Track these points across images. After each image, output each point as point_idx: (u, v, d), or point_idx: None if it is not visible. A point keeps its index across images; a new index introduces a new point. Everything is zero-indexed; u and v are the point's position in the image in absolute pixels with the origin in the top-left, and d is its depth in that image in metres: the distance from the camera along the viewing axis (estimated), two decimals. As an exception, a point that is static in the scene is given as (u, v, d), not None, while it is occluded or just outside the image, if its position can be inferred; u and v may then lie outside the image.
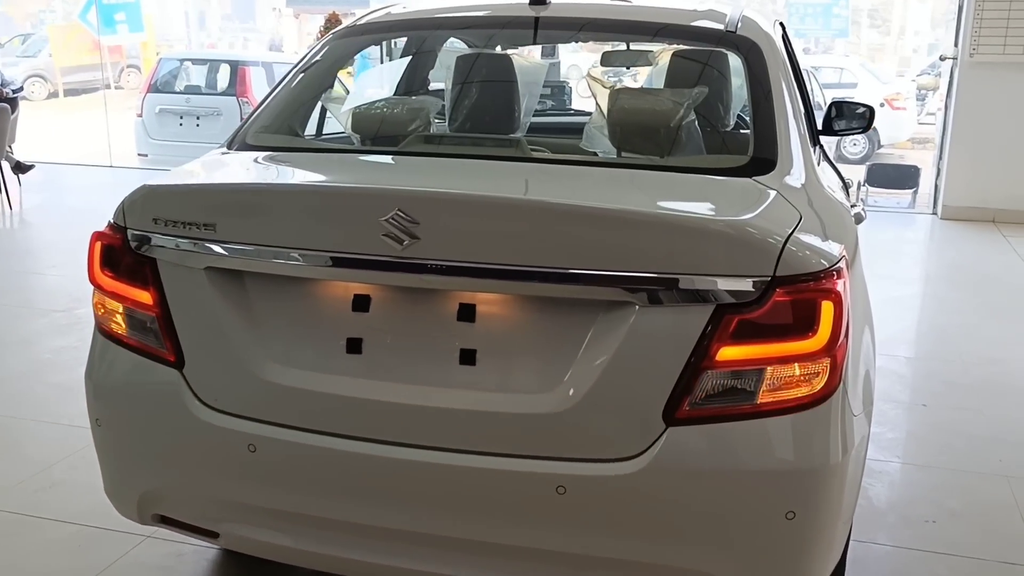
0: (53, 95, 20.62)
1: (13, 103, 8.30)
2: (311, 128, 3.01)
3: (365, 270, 1.92)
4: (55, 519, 3.01)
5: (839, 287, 1.85)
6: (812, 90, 10.87)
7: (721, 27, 2.61)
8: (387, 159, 2.45)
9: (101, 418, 2.20)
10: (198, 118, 10.96)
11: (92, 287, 2.19)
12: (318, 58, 2.82)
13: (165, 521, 2.22)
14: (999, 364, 4.58)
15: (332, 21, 9.91)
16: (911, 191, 8.86)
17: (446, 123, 2.95)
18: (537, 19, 2.65)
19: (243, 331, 2.02)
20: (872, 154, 13.65)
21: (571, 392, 1.86)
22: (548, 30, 2.83)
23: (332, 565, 2.12)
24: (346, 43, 2.95)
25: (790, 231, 1.85)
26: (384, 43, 5.07)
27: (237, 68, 11.36)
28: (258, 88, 10.88)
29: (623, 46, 3.98)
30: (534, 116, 4.26)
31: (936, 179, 8.25)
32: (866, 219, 3.02)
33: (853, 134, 4.01)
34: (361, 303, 1.97)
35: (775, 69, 2.50)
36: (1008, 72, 7.55)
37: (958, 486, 3.38)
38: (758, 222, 1.87)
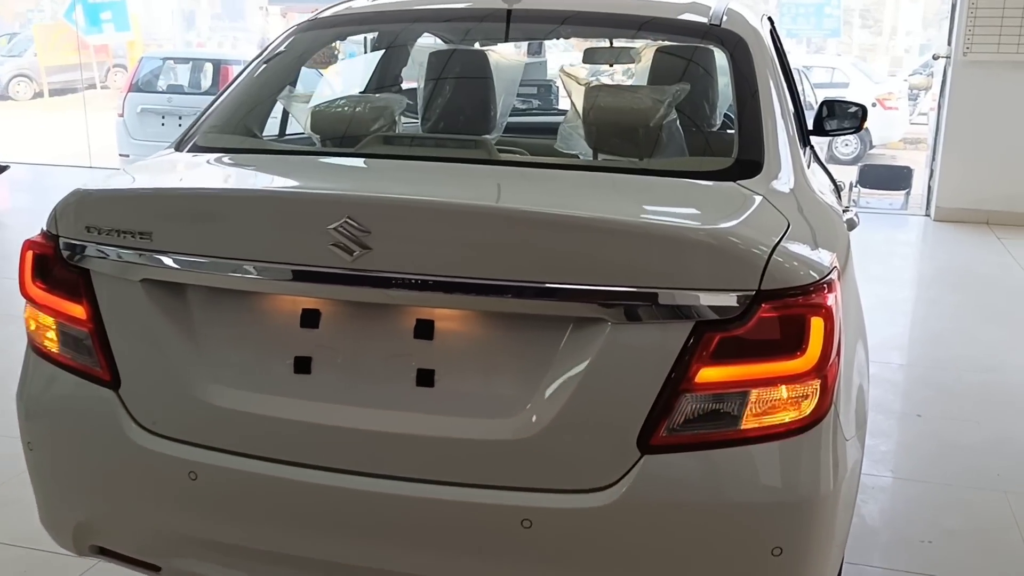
0: (39, 95, 20.40)
1: None
2: (274, 128, 2.85)
3: (313, 283, 1.76)
4: (1, 542, 2.84)
5: (830, 301, 1.70)
6: (803, 90, 10.77)
7: (704, 20, 2.45)
8: (342, 162, 2.29)
9: (33, 441, 2.03)
10: (180, 118, 10.73)
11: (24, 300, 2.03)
12: (279, 53, 2.65)
13: (104, 553, 2.05)
14: (995, 371, 4.44)
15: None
16: (904, 192, 8.73)
17: (416, 122, 2.80)
18: (510, 12, 2.49)
19: (183, 349, 1.86)
20: (864, 154, 13.53)
21: (537, 416, 1.70)
22: (521, 23, 2.67)
23: (282, 601, 1.96)
24: (311, 36, 2.79)
25: (777, 240, 1.70)
26: (368, 37, 4.90)
27: (220, 67, 11.18)
28: (241, 87, 10.66)
29: (606, 42, 3.83)
30: (515, 116, 4.11)
31: (929, 180, 8.12)
32: (859, 224, 2.87)
33: (845, 134, 3.89)
34: (310, 319, 1.81)
35: (762, 65, 2.34)
36: (1002, 71, 7.42)
37: (955, 502, 3.23)
38: (741, 231, 1.72)
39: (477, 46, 3.20)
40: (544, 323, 1.71)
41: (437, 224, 1.71)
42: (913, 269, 6.85)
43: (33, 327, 2.01)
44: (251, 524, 1.85)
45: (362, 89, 3.38)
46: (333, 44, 3.16)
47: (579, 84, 2.39)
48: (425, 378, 1.76)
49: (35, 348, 2.03)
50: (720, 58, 2.62)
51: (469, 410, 1.75)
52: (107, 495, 1.96)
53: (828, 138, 4.52)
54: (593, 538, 1.71)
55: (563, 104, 5.83)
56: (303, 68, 2.79)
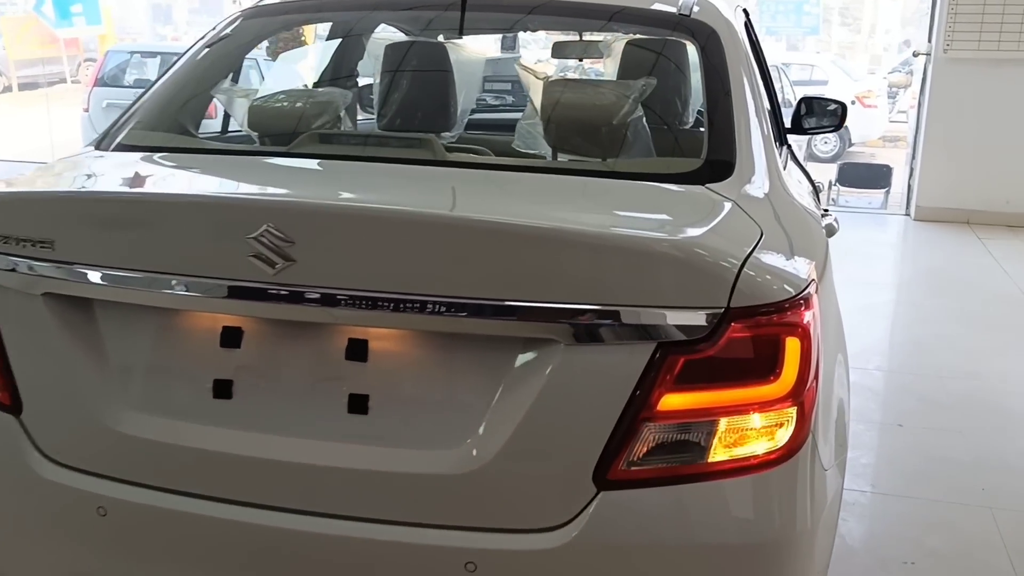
0: (7, 89, 20.02)
1: None
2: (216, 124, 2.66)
3: (232, 299, 1.57)
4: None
5: (807, 319, 1.53)
6: (782, 87, 10.63)
7: (674, 11, 2.28)
8: (272, 163, 2.09)
9: None
10: (147, 113, 10.49)
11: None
12: (221, 40, 2.45)
13: None
14: (979, 378, 4.29)
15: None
16: (883, 191, 8.60)
17: (364, 118, 2.61)
18: (464, 2, 2.30)
19: (92, 371, 1.66)
20: (843, 152, 13.45)
21: (482, 448, 1.52)
22: (482, 14, 2.49)
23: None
24: (258, 24, 2.59)
25: (748, 251, 1.53)
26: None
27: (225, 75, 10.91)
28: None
29: (576, 36, 3.65)
30: (484, 113, 3.93)
31: (909, 179, 7.98)
32: (839, 230, 2.71)
33: (824, 132, 3.76)
34: (231, 338, 1.62)
35: (735, 59, 2.17)
36: (983, 68, 7.29)
37: (939, 519, 3.08)
38: (709, 241, 1.55)
39: (442, 39, 3.01)
40: (490, 344, 1.53)
41: (367, 234, 1.53)
42: (893, 270, 6.71)
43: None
44: (165, 565, 1.67)
45: (316, 82, 3.18)
46: (299, 30, 2.98)
47: (537, 78, 2.21)
48: (358, 404, 1.58)
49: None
50: (692, 52, 2.45)
51: (407, 440, 1.57)
52: (7, 531, 1.77)
53: (807, 136, 4.38)
54: (544, 584, 1.53)
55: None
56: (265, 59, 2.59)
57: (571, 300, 1.47)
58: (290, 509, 1.58)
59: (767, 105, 2.25)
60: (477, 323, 1.50)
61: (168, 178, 1.96)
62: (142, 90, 2.31)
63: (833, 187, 8.33)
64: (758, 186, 1.84)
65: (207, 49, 2.39)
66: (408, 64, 2.73)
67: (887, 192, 8.65)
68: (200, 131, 2.38)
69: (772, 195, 1.87)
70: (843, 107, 3.65)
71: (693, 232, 1.57)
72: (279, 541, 1.59)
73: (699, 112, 2.86)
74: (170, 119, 2.24)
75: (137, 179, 1.95)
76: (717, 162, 1.86)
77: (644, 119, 2.16)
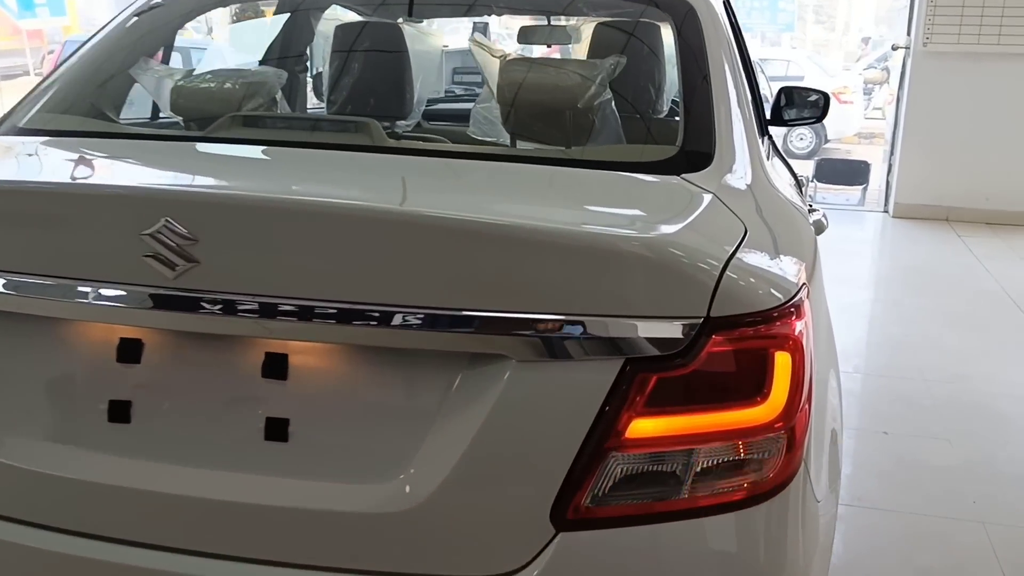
0: (-31, 82, 19.56)
1: None
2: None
3: (128, 307, 1.33)
4: None
5: (798, 330, 1.32)
6: (758, 82, 10.45)
7: None
8: (185, 149, 1.84)
9: None
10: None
11: None
12: (152, 8, 2.20)
13: None
14: (964, 381, 4.12)
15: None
16: (861, 187, 8.44)
17: (316, 106, 2.37)
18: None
19: None
20: (819, 148, 13.33)
21: (421, 481, 1.30)
22: None
23: None
24: None
25: (731, 252, 1.31)
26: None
27: (188, 55, 10.60)
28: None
29: (543, 20, 3.42)
30: (451, 103, 3.69)
31: (888, 175, 7.82)
32: (828, 227, 2.50)
33: (805, 124, 3.57)
34: (129, 352, 1.39)
35: (715, 39, 1.95)
36: (963, 62, 7.14)
37: (929, 535, 2.89)
38: (685, 239, 1.33)
39: (401, 21, 2.78)
40: (429, 360, 1.30)
41: (282, 231, 1.30)
42: (872, 269, 6.54)
43: None
44: None
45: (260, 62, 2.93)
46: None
47: (493, 56, 1.98)
48: (276, 430, 1.35)
49: None
50: (668, 33, 2.24)
51: (333, 473, 1.34)
52: None
53: (784, 130, 4.19)
54: (495, 641, 1.31)
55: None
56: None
57: (524, 309, 1.25)
58: (195, 552, 1.35)
59: (749, 94, 2.04)
60: (414, 335, 1.28)
61: (60, 166, 1.71)
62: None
63: (810, 183, 8.15)
64: (740, 177, 1.63)
65: (133, 20, 2.15)
66: (360, 46, 2.50)
67: (865, 188, 8.49)
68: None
69: (756, 187, 1.65)
70: (825, 97, 3.49)
71: (666, 229, 1.35)
72: None
73: (675, 100, 2.65)
74: (82, 101, 1.99)
75: (22, 167, 1.70)
76: (694, 150, 1.65)
77: (613, 103, 1.94)
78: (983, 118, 7.15)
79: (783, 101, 3.42)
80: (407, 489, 1.28)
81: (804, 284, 1.40)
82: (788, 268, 1.40)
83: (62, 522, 1.40)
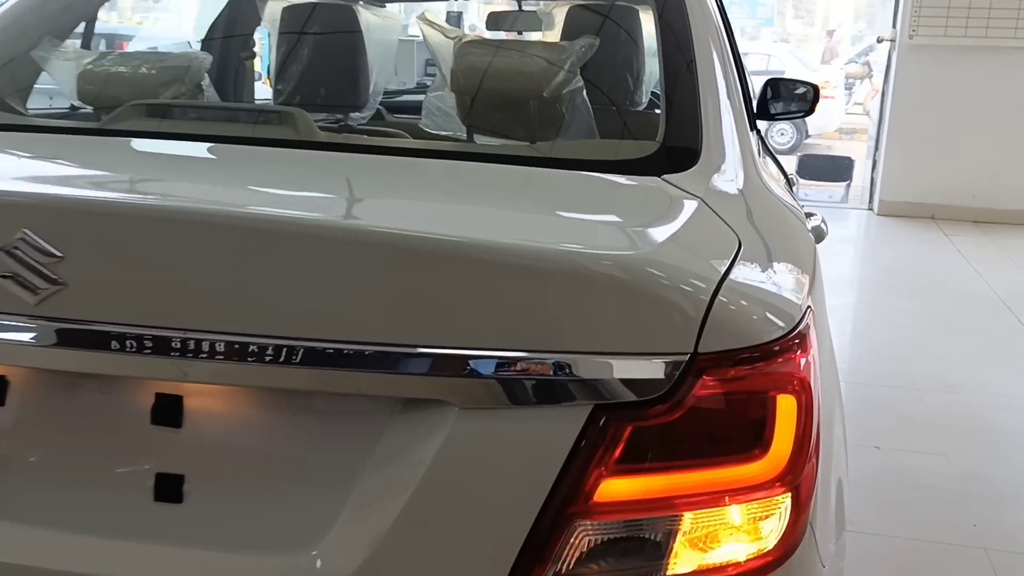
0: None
1: None
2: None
3: None
4: None
5: (804, 366, 1.08)
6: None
7: None
8: (68, 143, 1.55)
9: None
10: (69, 96, 9.85)
11: None
12: None
13: None
14: (958, 391, 3.91)
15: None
16: (844, 184, 8.25)
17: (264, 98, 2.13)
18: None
19: None
20: (800, 144, 13.17)
21: (339, 554, 1.05)
22: None
23: None
24: None
25: (723, 271, 1.08)
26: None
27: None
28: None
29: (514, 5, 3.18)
30: (419, 94, 3.43)
31: (872, 171, 7.64)
32: (828, 234, 2.27)
33: (793, 118, 3.37)
34: None
35: (702, 25, 1.72)
36: (949, 56, 6.95)
37: (927, 563, 2.67)
38: (668, 256, 1.09)
39: (359, 4, 2.53)
40: (352, 407, 1.06)
41: (171, 246, 1.05)
42: (857, 269, 6.34)
43: None
44: None
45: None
46: None
47: (446, 38, 1.73)
48: (169, 489, 1.10)
49: None
50: (649, 20, 2.01)
51: (235, 541, 1.09)
52: None
53: (765, 125, 3.99)
54: None
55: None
56: None
57: (468, 345, 1.01)
58: None
59: (738, 85, 1.81)
60: (334, 376, 1.03)
61: None
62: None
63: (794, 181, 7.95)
64: (731, 178, 1.39)
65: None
66: (310, 30, 2.26)
67: (848, 185, 8.31)
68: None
69: (749, 191, 1.42)
70: (814, 90, 3.29)
71: (644, 244, 1.11)
72: None
73: (656, 91, 2.42)
74: None
75: None
76: (678, 147, 1.41)
77: (584, 92, 1.69)
78: (970, 113, 6.97)
79: (769, 94, 3.23)
80: (319, 564, 1.04)
81: (809, 308, 1.17)
82: (790, 289, 1.17)
83: None
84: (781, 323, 1.08)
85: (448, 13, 6.36)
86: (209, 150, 1.42)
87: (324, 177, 1.34)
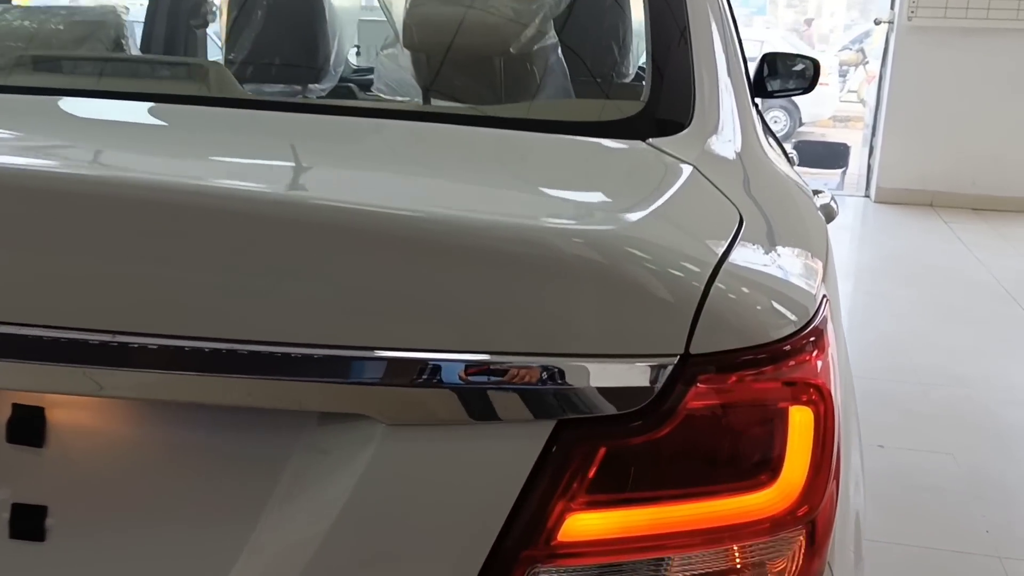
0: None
1: None
2: None
3: None
4: None
5: (821, 369, 0.87)
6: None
7: None
8: None
9: None
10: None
11: None
12: None
13: None
14: (965, 385, 3.70)
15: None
16: (840, 171, 8.04)
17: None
18: None
19: None
20: (793, 131, 12.96)
21: None
22: None
23: None
24: None
25: (721, 252, 0.86)
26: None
27: None
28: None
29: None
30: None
31: (869, 158, 7.41)
32: (839, 214, 2.05)
33: (791, 95, 3.18)
34: None
35: None
36: (949, 38, 6.73)
37: (940, 574, 2.47)
38: (651, 233, 0.87)
39: None
40: (251, 423, 0.84)
41: (31, 220, 0.82)
42: (855, 258, 6.12)
43: None
44: None
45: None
46: None
47: (398, -13, 1.51)
48: (27, 524, 0.88)
49: None
50: None
51: None
52: None
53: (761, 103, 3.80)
54: None
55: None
56: None
57: (396, 344, 0.79)
58: None
59: (738, 50, 1.59)
60: (233, 385, 0.81)
61: None
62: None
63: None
64: (728, 144, 1.17)
65: None
66: None
67: (844, 172, 8.11)
68: None
69: (749, 159, 1.20)
70: (814, 65, 3.10)
71: (621, 217, 0.89)
72: None
73: (643, 59, 2.19)
74: None
75: None
76: (667, 107, 1.19)
77: (559, 50, 1.47)
78: (970, 97, 6.75)
79: (766, 71, 3.03)
80: None
81: (825, 299, 0.95)
82: (802, 275, 0.96)
83: None
84: (793, 316, 0.86)
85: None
86: (101, 108, 1.20)
87: (230, 139, 1.11)
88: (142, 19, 2.42)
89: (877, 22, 7.36)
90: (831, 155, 7.91)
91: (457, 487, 0.81)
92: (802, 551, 0.86)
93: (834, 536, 0.92)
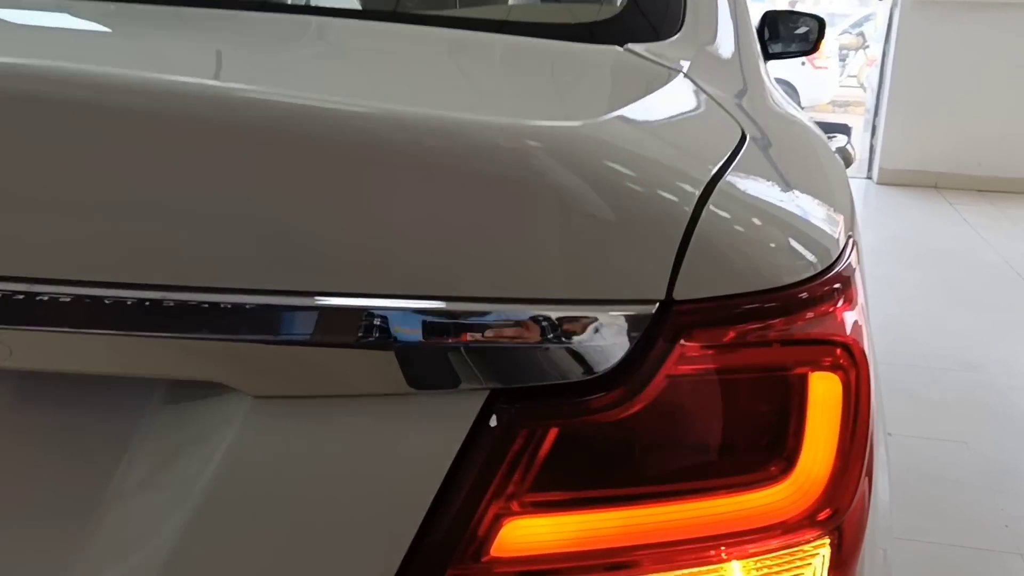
0: None
1: None
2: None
3: None
4: None
5: (851, 326, 0.65)
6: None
7: None
8: None
9: None
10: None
11: None
12: None
13: None
14: (976, 370, 3.49)
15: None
16: (841, 153, 7.83)
17: None
18: None
19: None
20: (792, 116, 12.76)
21: None
22: None
23: None
24: None
25: (715, 170, 0.64)
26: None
27: None
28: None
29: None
30: None
31: (871, 138, 7.18)
32: (856, 161, 1.82)
33: (794, 57, 3.01)
34: None
35: None
36: (956, 12, 6.49)
37: (955, 573, 2.26)
38: (622, 139, 0.65)
39: None
40: (90, 392, 0.62)
41: None
42: (860, 241, 5.91)
43: None
44: None
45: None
46: None
47: None
48: None
49: None
50: None
51: None
52: None
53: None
54: None
55: None
56: None
57: (266, 285, 0.57)
58: None
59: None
60: (62, 343, 0.59)
61: None
62: None
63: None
64: (726, 48, 0.95)
65: None
66: None
67: (845, 154, 7.88)
68: None
69: (748, 71, 0.97)
70: (819, 23, 2.92)
71: (582, 121, 0.67)
72: None
73: None
74: None
75: None
76: (651, 9, 0.96)
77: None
78: (977, 75, 6.51)
79: (767, 33, 2.84)
80: None
81: (852, 239, 0.73)
82: (823, 207, 0.74)
83: None
84: (811, 256, 0.64)
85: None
86: None
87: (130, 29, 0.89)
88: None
89: (880, -3, 7.13)
90: (831, 135, 7.69)
91: (353, 481, 0.58)
92: (824, 569, 0.64)
93: (864, 549, 0.70)
